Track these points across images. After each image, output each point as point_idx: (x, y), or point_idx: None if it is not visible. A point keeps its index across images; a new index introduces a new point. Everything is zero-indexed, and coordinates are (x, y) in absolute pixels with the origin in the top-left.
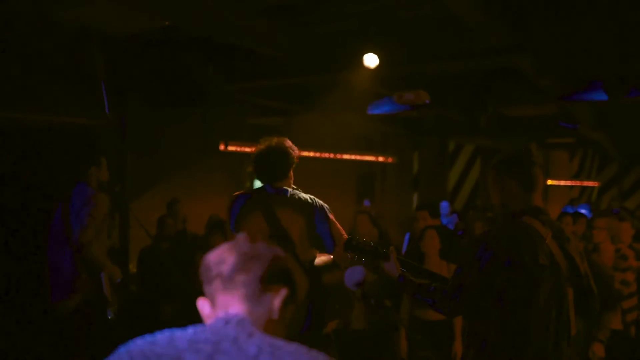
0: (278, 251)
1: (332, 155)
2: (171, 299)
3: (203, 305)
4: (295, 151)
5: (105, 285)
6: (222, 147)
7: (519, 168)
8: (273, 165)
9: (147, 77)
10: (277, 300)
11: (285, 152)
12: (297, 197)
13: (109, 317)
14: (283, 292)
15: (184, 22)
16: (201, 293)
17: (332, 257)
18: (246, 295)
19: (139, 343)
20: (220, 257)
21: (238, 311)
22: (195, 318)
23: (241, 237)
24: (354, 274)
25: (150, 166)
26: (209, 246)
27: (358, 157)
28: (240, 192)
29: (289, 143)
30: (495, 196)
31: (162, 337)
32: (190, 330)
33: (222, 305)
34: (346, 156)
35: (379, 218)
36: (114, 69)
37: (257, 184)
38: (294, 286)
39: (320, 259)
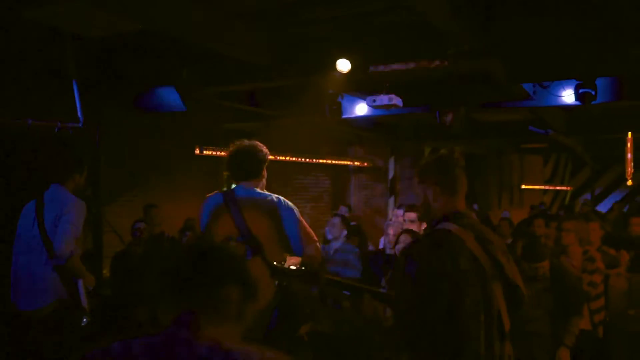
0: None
1: (308, 160)
2: (145, 303)
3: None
4: (265, 150)
5: (83, 293)
6: (197, 152)
7: (440, 172)
8: (243, 164)
9: (121, 80)
10: (232, 300)
11: (254, 151)
12: (265, 198)
13: (83, 324)
14: (241, 294)
15: (157, 25)
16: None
17: (300, 259)
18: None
19: (95, 352)
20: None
21: (190, 313)
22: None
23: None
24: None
25: (125, 170)
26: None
27: (334, 162)
28: (210, 194)
29: (259, 144)
30: (420, 202)
31: (117, 344)
32: (145, 337)
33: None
34: (322, 160)
35: (355, 220)
36: (88, 72)
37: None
38: (249, 285)
39: (290, 261)
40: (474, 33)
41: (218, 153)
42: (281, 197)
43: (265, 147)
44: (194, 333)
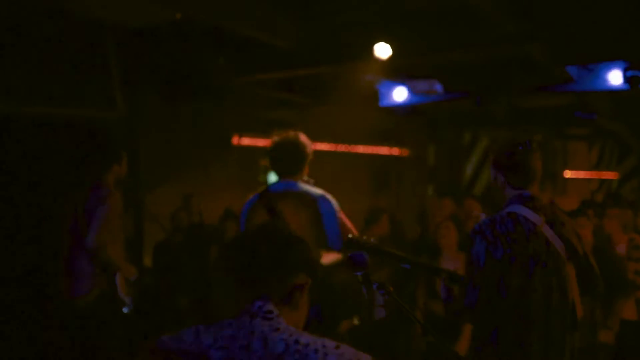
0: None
1: (346, 148)
2: (186, 291)
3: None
4: (310, 146)
5: (120, 286)
6: (235, 141)
7: (515, 157)
8: (287, 157)
9: (159, 70)
10: (299, 291)
11: (300, 146)
12: (304, 190)
13: (125, 312)
14: (306, 282)
15: (195, 13)
16: (215, 285)
17: (340, 255)
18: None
19: (165, 340)
20: None
21: (262, 303)
22: (210, 310)
23: None
24: (356, 258)
25: (163, 160)
26: (223, 237)
27: (372, 150)
28: (252, 194)
29: (304, 137)
30: (494, 185)
31: (188, 333)
32: (215, 326)
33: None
34: (360, 149)
35: (395, 212)
36: (127, 61)
37: (272, 178)
38: (314, 273)
39: (329, 257)
40: (515, 16)
41: (257, 142)
42: (322, 192)
43: (310, 142)
44: (270, 326)
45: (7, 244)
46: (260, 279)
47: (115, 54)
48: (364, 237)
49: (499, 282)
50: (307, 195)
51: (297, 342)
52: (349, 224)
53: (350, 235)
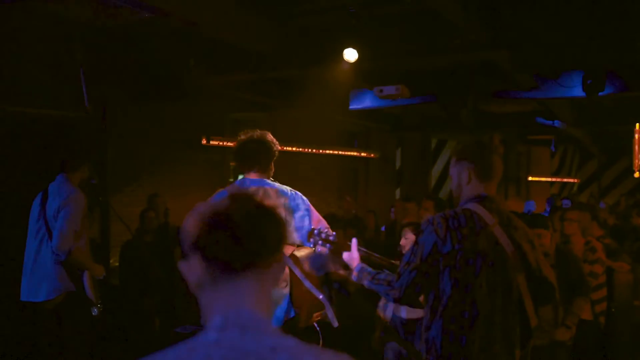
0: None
1: (314, 151)
2: (153, 292)
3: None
4: (276, 144)
5: (89, 285)
6: (204, 142)
7: (477, 155)
8: (253, 155)
9: (127, 69)
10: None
11: (265, 143)
12: (273, 186)
13: (94, 314)
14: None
15: (164, 12)
16: (183, 286)
17: (312, 249)
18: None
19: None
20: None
21: (247, 308)
22: (176, 312)
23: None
24: (317, 258)
25: (131, 160)
26: None
27: (340, 152)
28: (220, 189)
29: (269, 135)
30: (453, 182)
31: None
32: (201, 347)
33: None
34: (328, 151)
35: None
36: (94, 60)
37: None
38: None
39: (302, 251)
40: (481, 23)
41: (225, 143)
42: (291, 188)
43: (276, 141)
44: (263, 344)
45: None
46: (254, 264)
47: (83, 53)
48: (326, 231)
49: (443, 274)
50: (276, 191)
51: (286, 344)
52: (320, 218)
53: (314, 228)
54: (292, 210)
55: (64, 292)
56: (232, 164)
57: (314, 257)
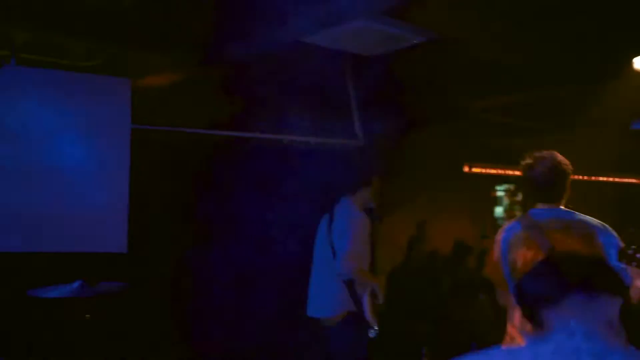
0: None
1: (587, 178)
2: (424, 319)
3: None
4: (569, 165)
5: (368, 308)
6: (466, 169)
7: None
8: (552, 180)
9: (396, 97)
10: None
11: (564, 167)
12: (579, 220)
13: (371, 336)
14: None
15: (439, 34)
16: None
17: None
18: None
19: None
20: None
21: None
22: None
23: None
24: None
25: (394, 187)
26: (456, 269)
27: (619, 180)
28: (507, 224)
29: (559, 155)
30: None
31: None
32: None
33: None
34: (603, 178)
35: None
36: (364, 90)
37: (498, 209)
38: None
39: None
40: None
41: (487, 170)
42: (601, 222)
43: (567, 160)
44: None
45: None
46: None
47: (353, 82)
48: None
49: None
50: (581, 223)
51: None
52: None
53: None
54: (603, 245)
55: (346, 311)
56: (492, 193)
57: None
